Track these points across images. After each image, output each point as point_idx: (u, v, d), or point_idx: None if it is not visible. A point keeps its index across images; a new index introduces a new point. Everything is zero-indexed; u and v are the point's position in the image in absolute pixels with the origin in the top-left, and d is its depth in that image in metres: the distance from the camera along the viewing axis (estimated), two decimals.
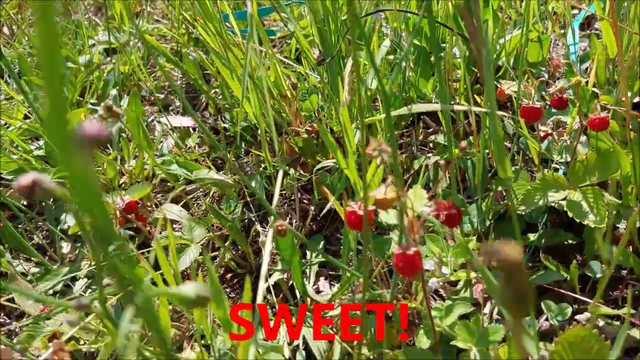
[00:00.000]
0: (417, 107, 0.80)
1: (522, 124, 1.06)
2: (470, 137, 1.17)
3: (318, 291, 1.14)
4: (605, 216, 0.91)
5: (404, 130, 1.34)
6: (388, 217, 0.85)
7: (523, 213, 1.07)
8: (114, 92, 1.56)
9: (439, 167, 1.20)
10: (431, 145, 1.29)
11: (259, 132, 1.30)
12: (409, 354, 0.79)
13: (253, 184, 1.26)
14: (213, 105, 1.47)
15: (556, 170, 1.05)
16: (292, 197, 1.25)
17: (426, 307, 0.90)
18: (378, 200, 0.63)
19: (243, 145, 1.31)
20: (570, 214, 0.94)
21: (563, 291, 1.00)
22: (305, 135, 1.14)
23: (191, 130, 1.52)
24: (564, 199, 0.97)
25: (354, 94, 0.98)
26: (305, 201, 1.25)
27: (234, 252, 1.20)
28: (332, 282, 1.14)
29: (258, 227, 1.20)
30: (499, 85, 1.09)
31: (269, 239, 0.93)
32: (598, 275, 1.01)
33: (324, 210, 1.16)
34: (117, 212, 1.07)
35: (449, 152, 0.95)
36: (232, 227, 1.13)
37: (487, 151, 1.14)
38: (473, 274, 1.04)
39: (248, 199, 1.23)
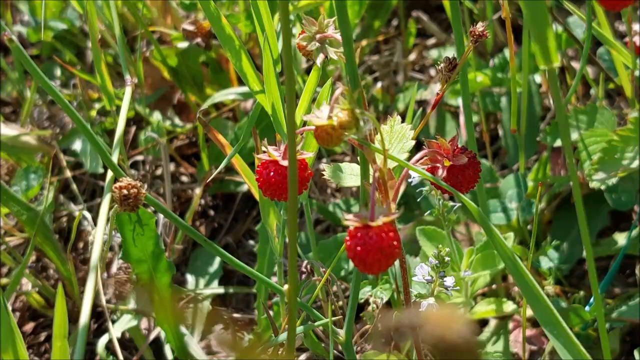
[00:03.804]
0: None
1: (602, 20, 0.58)
2: (505, 50, 0.71)
3: (211, 351, 0.60)
4: None
5: (380, 39, 0.86)
6: (342, 176, 0.48)
7: (602, 187, 0.58)
8: None
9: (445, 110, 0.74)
10: (432, 69, 0.86)
11: (89, 42, 0.77)
12: None
13: (78, 145, 0.69)
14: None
15: None
16: (159, 172, 0.71)
17: None
18: (318, 128, 0.36)
19: (58, 73, 0.82)
20: None
21: None
22: (185, 44, 0.61)
23: None
24: None
25: None
26: (184, 178, 0.76)
27: (39, 276, 0.65)
28: (239, 330, 0.63)
29: (88, 226, 0.63)
30: None
31: (99, 232, 0.44)
32: None
33: (217, 170, 0.59)
34: None
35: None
36: (32, 220, 0.57)
37: (535, 76, 0.67)
38: (509, 306, 0.59)
39: (68, 174, 0.67)
